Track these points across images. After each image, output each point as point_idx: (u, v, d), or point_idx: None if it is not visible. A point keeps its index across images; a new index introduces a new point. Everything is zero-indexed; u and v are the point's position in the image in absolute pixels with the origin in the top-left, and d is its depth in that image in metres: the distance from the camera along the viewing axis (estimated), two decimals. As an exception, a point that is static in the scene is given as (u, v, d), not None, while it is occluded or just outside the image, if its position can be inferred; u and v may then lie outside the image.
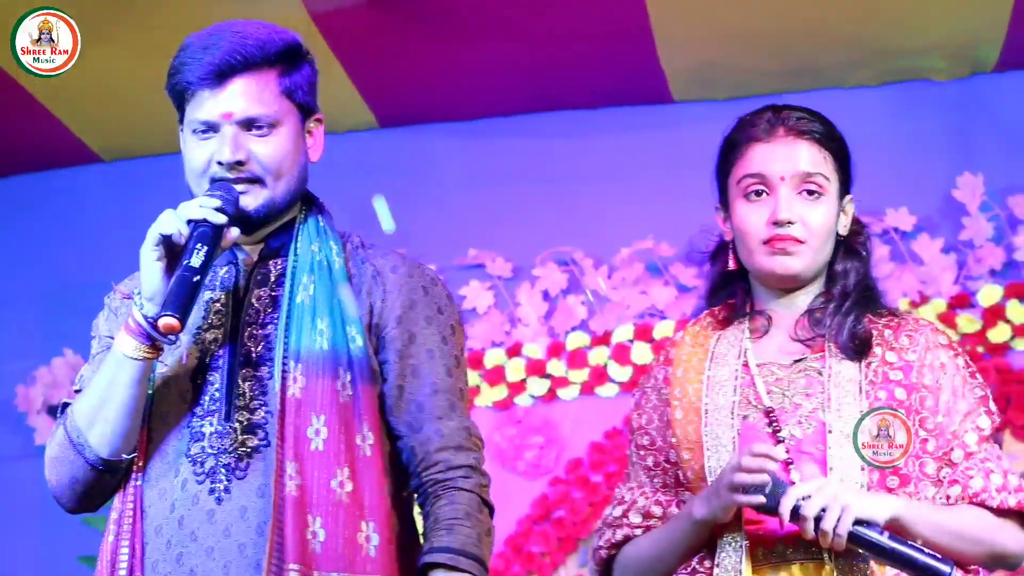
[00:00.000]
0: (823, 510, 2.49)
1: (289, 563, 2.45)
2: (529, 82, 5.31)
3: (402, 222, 5.24)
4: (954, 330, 5.01)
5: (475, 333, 5.34)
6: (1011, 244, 5.10)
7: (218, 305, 2.61)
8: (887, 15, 4.94)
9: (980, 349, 5.01)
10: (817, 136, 2.73)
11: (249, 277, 2.63)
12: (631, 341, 5.26)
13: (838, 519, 2.49)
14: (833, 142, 2.75)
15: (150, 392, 2.57)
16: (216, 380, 2.56)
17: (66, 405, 2.63)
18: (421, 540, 2.59)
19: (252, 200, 2.58)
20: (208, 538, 2.50)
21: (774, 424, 2.64)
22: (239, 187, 2.57)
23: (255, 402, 2.55)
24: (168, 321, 2.41)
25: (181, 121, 2.63)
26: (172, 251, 2.49)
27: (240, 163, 2.57)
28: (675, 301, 5.26)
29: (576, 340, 5.31)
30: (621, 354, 5.25)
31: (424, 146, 5.52)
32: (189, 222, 2.49)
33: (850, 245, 2.79)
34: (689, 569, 2.66)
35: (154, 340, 2.50)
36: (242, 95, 2.57)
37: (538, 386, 5.31)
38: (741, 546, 2.60)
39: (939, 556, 2.49)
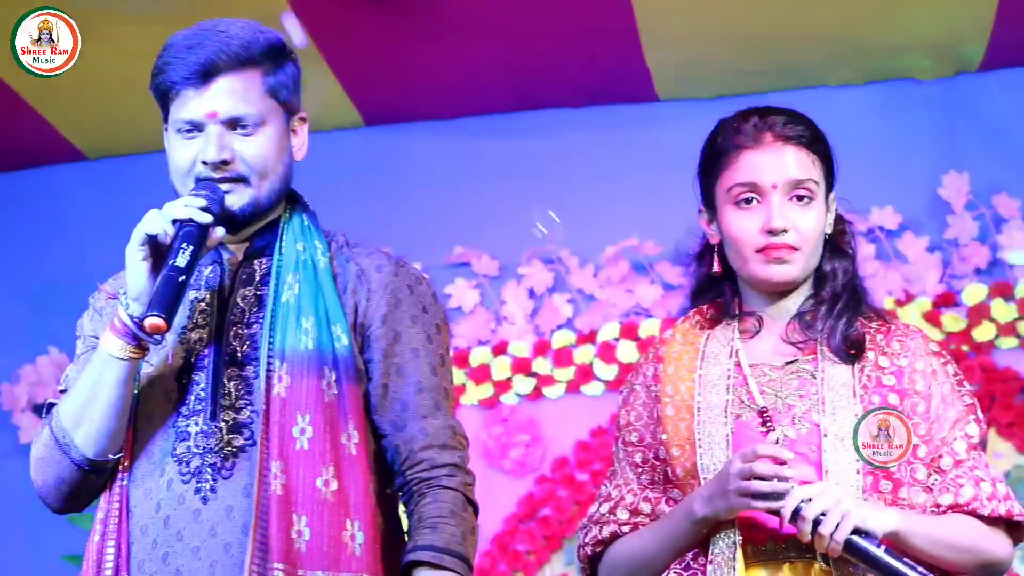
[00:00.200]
0: (823, 514, 2.50)
1: (274, 562, 2.45)
2: (515, 81, 5.30)
3: (387, 220, 5.24)
4: (939, 329, 5.02)
5: (461, 331, 5.33)
6: (996, 243, 5.11)
7: (203, 305, 2.61)
8: (872, 14, 4.94)
9: (965, 348, 5.02)
10: (804, 140, 2.73)
11: (234, 276, 2.63)
12: (617, 339, 5.26)
13: (837, 525, 2.49)
14: (819, 144, 2.75)
15: (136, 392, 2.57)
16: (201, 380, 2.56)
17: (51, 405, 2.62)
18: (406, 538, 2.59)
19: (237, 199, 2.58)
20: (194, 538, 2.50)
21: (768, 424, 2.64)
22: (224, 186, 2.57)
23: (240, 401, 2.55)
24: (154, 321, 2.41)
25: (165, 120, 2.62)
26: (158, 251, 2.49)
27: (225, 162, 2.57)
28: (661, 299, 5.26)
29: (562, 338, 5.31)
30: (607, 352, 5.25)
31: (410, 144, 5.51)
32: (174, 222, 2.49)
33: (836, 244, 2.78)
34: (683, 564, 2.66)
35: (140, 340, 2.50)
36: (227, 94, 2.56)
37: (524, 384, 5.31)
38: (734, 542, 2.60)
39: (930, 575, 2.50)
